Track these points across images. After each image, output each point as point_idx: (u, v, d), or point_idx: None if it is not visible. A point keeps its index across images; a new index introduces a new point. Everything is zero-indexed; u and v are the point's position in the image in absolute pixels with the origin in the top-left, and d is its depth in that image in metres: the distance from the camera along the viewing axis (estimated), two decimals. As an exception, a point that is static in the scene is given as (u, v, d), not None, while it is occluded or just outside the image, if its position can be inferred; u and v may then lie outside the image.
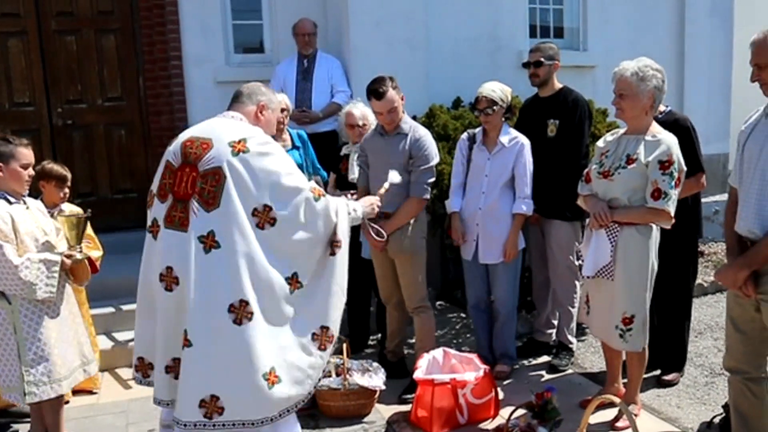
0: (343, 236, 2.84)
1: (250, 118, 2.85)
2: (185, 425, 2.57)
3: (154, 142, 6.14)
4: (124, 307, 4.84)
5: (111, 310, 4.87)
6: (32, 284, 3.19)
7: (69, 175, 4.05)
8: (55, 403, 3.41)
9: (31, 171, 3.40)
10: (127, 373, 4.39)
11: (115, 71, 6.09)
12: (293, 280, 2.67)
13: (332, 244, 2.80)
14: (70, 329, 3.44)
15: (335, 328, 2.81)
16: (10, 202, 3.29)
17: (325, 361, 2.79)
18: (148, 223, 2.76)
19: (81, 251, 3.45)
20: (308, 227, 2.70)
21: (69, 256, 3.39)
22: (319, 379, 2.83)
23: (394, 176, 3.61)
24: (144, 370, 2.82)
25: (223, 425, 2.57)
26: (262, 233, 2.59)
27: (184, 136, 2.75)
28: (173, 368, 2.66)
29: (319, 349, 2.75)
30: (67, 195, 4.06)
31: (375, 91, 3.94)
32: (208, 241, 2.55)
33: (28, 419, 3.63)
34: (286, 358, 2.65)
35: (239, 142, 2.61)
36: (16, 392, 3.27)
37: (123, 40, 6.08)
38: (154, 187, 2.77)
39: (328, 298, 2.79)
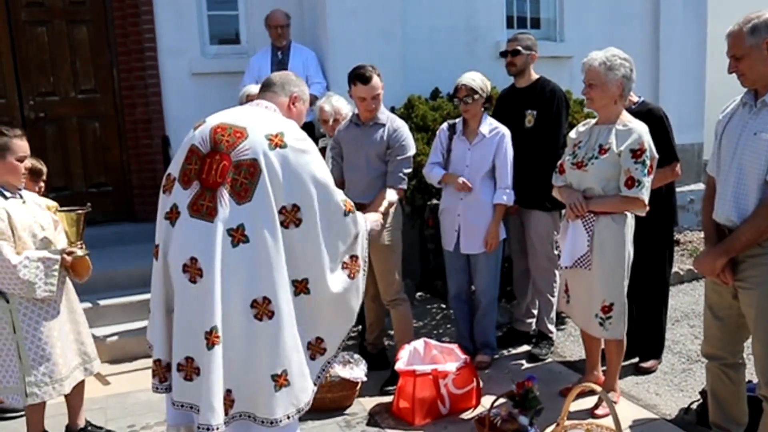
0: (363, 258, 2.77)
1: (282, 110, 2.74)
2: (216, 428, 2.43)
3: (128, 134, 6.06)
4: (102, 303, 4.77)
5: (88, 305, 4.78)
6: (31, 283, 3.10)
7: (44, 169, 3.96)
8: (40, 404, 3.34)
9: (27, 163, 3.29)
10: (105, 368, 4.34)
11: (88, 63, 5.99)
12: (301, 285, 2.59)
13: (351, 262, 2.71)
14: (70, 327, 3.37)
15: (330, 345, 2.71)
16: (5, 197, 3.19)
17: (314, 371, 2.70)
18: (166, 209, 2.59)
19: (82, 247, 3.35)
20: (331, 236, 2.62)
21: (70, 253, 3.28)
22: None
23: (392, 195, 3.60)
24: (161, 373, 2.62)
25: (233, 417, 2.51)
26: (285, 232, 2.51)
27: (213, 121, 2.61)
28: (184, 367, 2.52)
29: (311, 358, 2.67)
30: (43, 189, 3.97)
31: (361, 76, 3.92)
32: (237, 235, 2.45)
33: (15, 414, 3.55)
34: (299, 361, 2.59)
35: (276, 135, 2.50)
36: (16, 393, 3.19)
37: (96, 32, 5.97)
38: (175, 171, 2.61)
39: (333, 317, 2.70)
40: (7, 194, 3.21)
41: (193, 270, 2.47)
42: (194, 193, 2.51)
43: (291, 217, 2.52)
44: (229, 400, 2.48)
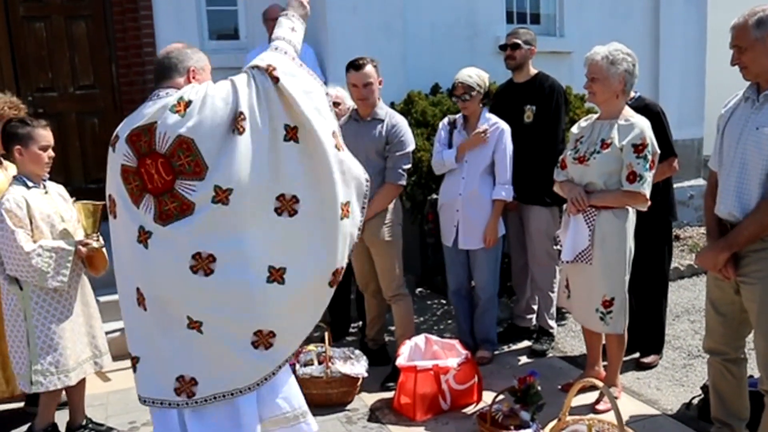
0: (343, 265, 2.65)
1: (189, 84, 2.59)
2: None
3: (128, 130, 6.04)
4: (103, 299, 4.73)
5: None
6: (43, 272, 3.14)
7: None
8: (56, 394, 3.38)
9: (51, 152, 3.32)
10: (106, 365, 4.32)
11: (87, 58, 5.97)
12: (277, 273, 2.50)
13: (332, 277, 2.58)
14: (83, 320, 3.39)
15: (281, 343, 2.53)
16: (28, 187, 3.23)
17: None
18: (135, 233, 2.44)
19: (98, 239, 3.36)
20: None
21: (85, 245, 3.31)
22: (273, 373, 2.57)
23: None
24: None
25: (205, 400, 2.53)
26: (276, 218, 2.47)
27: (124, 132, 2.46)
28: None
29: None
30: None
31: (353, 63, 3.94)
32: (219, 197, 2.36)
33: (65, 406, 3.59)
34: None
35: (178, 103, 2.40)
36: (24, 380, 3.24)
37: (94, 27, 5.96)
38: (115, 193, 2.49)
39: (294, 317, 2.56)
40: (30, 184, 3.25)
41: (203, 263, 2.39)
42: (153, 205, 2.41)
43: (286, 205, 2.46)
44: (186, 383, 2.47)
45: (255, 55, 6.06)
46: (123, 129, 2.48)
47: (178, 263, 2.39)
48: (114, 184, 2.50)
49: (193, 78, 2.58)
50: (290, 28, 2.73)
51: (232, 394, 2.48)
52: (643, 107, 3.91)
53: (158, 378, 2.52)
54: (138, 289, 2.49)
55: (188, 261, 2.38)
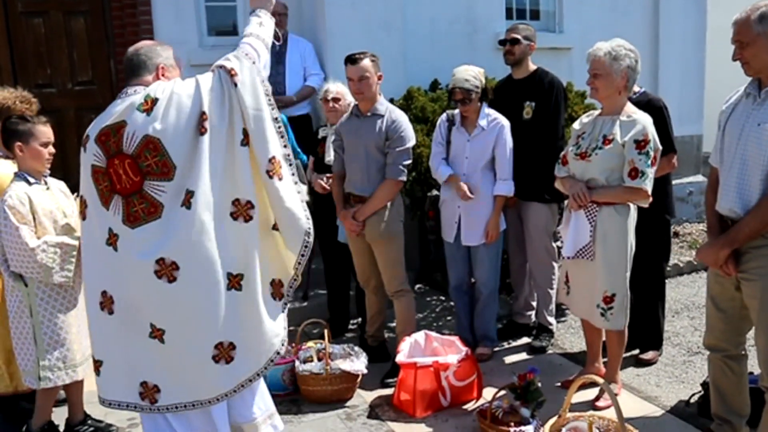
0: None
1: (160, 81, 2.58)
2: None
3: (126, 127, 6.03)
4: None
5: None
6: (48, 268, 3.14)
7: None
8: (54, 391, 3.39)
9: (51, 149, 3.32)
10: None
11: (86, 54, 5.94)
12: (235, 279, 2.51)
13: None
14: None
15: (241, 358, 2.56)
16: (29, 183, 3.23)
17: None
18: (105, 235, 2.45)
19: None
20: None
21: None
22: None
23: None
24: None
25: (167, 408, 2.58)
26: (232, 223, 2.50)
27: (93, 132, 2.47)
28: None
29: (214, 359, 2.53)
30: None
31: (350, 57, 3.94)
32: (187, 199, 2.37)
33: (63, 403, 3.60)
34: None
35: (145, 102, 2.39)
36: (31, 376, 3.24)
37: (93, 23, 5.92)
38: (87, 194, 2.50)
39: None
40: (31, 180, 3.25)
41: (166, 269, 2.39)
42: (121, 207, 2.41)
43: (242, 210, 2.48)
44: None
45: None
46: (93, 129, 2.48)
47: (144, 267, 2.39)
48: (85, 185, 2.51)
49: (162, 75, 2.57)
50: (258, 24, 2.76)
51: (194, 405, 2.50)
52: (646, 102, 3.90)
53: (123, 381, 2.54)
54: (104, 292, 2.50)
55: (153, 265, 2.38)
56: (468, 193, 4.15)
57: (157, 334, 2.44)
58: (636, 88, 4.02)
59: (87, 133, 2.50)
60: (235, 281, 2.48)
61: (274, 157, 2.50)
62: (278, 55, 5.55)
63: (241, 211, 2.48)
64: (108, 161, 2.42)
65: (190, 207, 2.38)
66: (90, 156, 2.46)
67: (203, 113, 2.39)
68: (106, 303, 2.50)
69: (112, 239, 2.43)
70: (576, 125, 3.74)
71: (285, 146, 2.55)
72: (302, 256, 2.64)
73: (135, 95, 2.46)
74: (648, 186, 3.43)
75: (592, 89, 3.54)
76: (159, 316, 2.44)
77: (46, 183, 3.32)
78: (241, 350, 2.50)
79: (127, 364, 2.52)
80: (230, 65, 2.49)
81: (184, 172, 2.38)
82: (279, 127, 2.54)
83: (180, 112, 2.39)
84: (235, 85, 2.44)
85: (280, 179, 2.52)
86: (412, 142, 4.06)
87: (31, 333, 3.21)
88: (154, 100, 2.39)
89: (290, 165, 2.58)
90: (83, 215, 2.54)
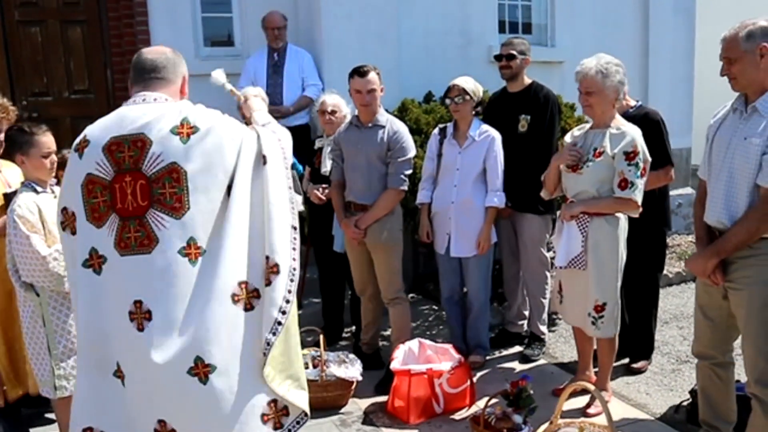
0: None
1: (176, 98, 2.33)
2: None
3: (122, 135, 6.06)
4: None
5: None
6: (60, 276, 3.12)
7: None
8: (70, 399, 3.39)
9: (54, 158, 3.31)
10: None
11: (82, 63, 5.98)
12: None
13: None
14: None
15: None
16: (37, 192, 3.25)
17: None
18: (84, 255, 2.18)
19: None
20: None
21: None
22: None
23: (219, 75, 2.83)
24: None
25: None
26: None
27: (100, 138, 2.19)
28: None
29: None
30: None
31: (358, 70, 4.01)
32: (192, 251, 2.14)
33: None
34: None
35: (182, 125, 2.15)
36: (48, 386, 3.23)
37: (90, 32, 5.97)
38: (73, 205, 2.22)
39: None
40: (39, 189, 3.26)
41: (140, 315, 2.12)
42: (115, 229, 2.15)
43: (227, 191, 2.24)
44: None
45: (253, 63, 6.09)
46: (98, 134, 2.21)
47: (121, 303, 2.15)
48: (72, 195, 2.23)
49: (185, 86, 2.39)
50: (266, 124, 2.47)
51: None
52: (643, 116, 3.99)
53: (89, 408, 2.30)
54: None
55: (129, 305, 2.13)
56: (424, 236, 4.38)
57: (120, 374, 2.20)
58: (632, 102, 4.12)
59: (86, 137, 2.22)
60: (203, 370, 2.14)
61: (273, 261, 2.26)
62: (276, 66, 5.62)
63: (245, 297, 2.20)
64: (116, 175, 2.15)
65: (195, 263, 2.14)
66: (89, 164, 2.18)
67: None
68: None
69: (95, 261, 2.17)
70: (567, 138, 3.81)
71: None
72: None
73: (156, 104, 2.22)
74: (638, 196, 3.50)
75: (586, 107, 3.60)
76: (122, 358, 2.18)
77: (53, 191, 3.33)
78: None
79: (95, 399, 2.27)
80: (265, 148, 2.27)
81: (194, 218, 2.14)
82: (294, 239, 2.31)
83: (219, 153, 2.16)
84: (265, 160, 2.26)
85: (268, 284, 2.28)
86: (413, 152, 4.13)
87: (45, 343, 3.19)
88: (193, 128, 2.15)
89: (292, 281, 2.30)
90: (73, 229, 2.25)
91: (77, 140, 2.25)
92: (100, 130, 2.22)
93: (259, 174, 2.24)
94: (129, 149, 2.15)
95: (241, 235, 2.20)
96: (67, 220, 2.26)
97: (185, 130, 2.15)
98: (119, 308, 2.15)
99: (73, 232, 2.24)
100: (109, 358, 2.21)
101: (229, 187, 2.19)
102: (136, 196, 2.14)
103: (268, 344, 2.21)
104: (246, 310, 2.21)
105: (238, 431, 2.19)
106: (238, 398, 2.18)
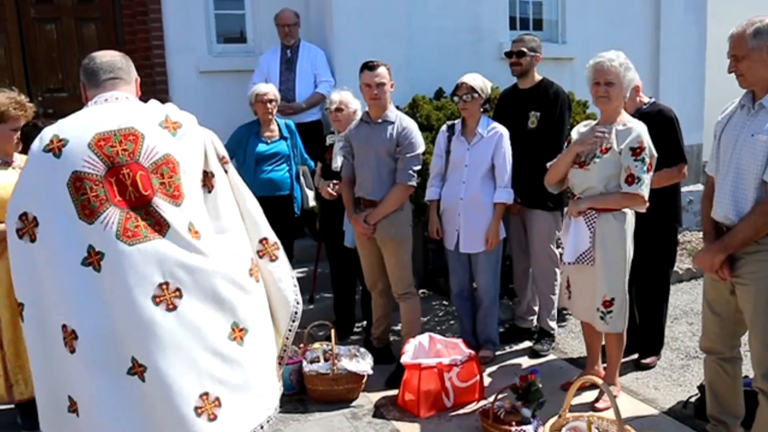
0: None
1: (137, 97, 2.46)
2: None
3: (136, 131, 6.13)
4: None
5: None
6: None
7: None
8: None
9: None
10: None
11: (97, 60, 6.05)
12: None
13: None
14: None
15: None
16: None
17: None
18: (81, 254, 2.13)
19: None
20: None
21: None
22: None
23: None
24: None
25: None
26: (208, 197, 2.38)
27: (82, 136, 2.19)
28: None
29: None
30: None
31: (367, 64, 4.06)
32: (193, 233, 2.24)
33: None
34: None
35: (166, 120, 2.29)
36: None
37: (104, 29, 6.03)
38: (56, 210, 2.16)
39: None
40: None
41: (168, 296, 2.16)
42: (116, 221, 2.14)
43: (209, 183, 2.39)
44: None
45: (266, 60, 6.14)
46: (76, 132, 2.21)
47: (139, 290, 2.13)
48: (39, 199, 2.18)
49: (139, 89, 2.48)
50: None
51: None
52: (656, 112, 4.01)
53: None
54: (65, 326, 2.15)
55: (152, 290, 2.14)
56: (434, 233, 4.42)
57: (137, 370, 2.14)
58: (645, 99, 4.13)
59: (58, 137, 2.20)
60: (238, 334, 2.30)
61: (266, 239, 2.53)
62: (289, 63, 5.67)
63: (209, 184, 2.38)
64: (111, 169, 2.17)
65: (199, 239, 2.25)
66: (74, 162, 2.16)
67: (211, 173, 2.39)
68: (69, 340, 2.15)
69: (93, 258, 2.13)
70: (573, 134, 3.83)
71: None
72: (291, 325, 2.60)
73: (130, 102, 2.34)
74: (644, 192, 3.53)
75: (603, 98, 3.58)
76: (144, 350, 2.14)
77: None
78: (226, 411, 2.24)
79: (92, 410, 2.17)
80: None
81: (190, 205, 2.26)
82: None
83: (196, 149, 2.34)
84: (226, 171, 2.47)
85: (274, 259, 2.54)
86: (422, 148, 4.17)
87: None
88: (177, 123, 2.31)
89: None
90: (31, 236, 2.17)
91: (44, 141, 2.21)
92: (76, 128, 2.23)
93: (220, 169, 2.43)
94: (121, 143, 2.20)
95: (237, 218, 2.44)
96: (26, 227, 2.18)
97: (170, 125, 2.29)
98: (135, 298, 2.13)
99: (33, 239, 2.18)
100: (116, 357, 2.15)
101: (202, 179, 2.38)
102: (138, 187, 2.18)
103: (298, 303, 2.59)
104: (257, 281, 2.45)
105: (270, 387, 2.43)
106: (267, 355, 2.45)
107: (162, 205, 2.19)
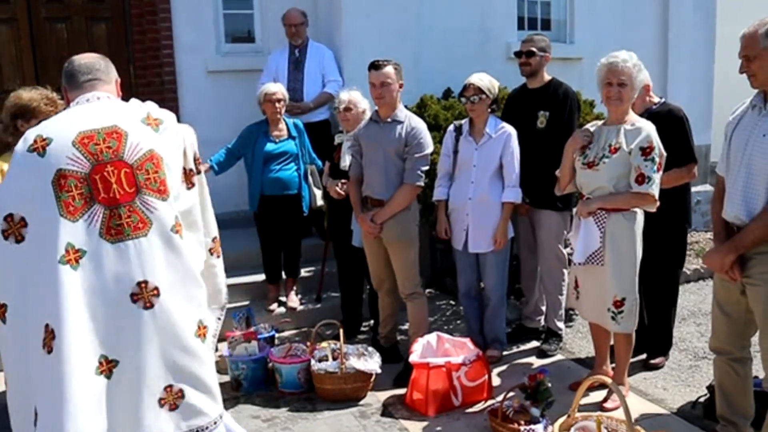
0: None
1: (117, 97, 2.50)
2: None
3: (144, 130, 6.15)
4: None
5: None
6: None
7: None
8: None
9: None
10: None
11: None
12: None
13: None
14: None
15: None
16: None
17: None
18: (58, 253, 2.12)
19: None
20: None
21: None
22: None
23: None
24: None
25: None
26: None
27: (65, 134, 2.21)
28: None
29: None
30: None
31: (374, 63, 4.07)
32: (178, 228, 2.31)
33: None
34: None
35: (148, 116, 2.35)
36: None
37: (114, 28, 6.07)
38: (42, 209, 2.16)
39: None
40: None
41: (146, 295, 2.20)
42: (100, 218, 2.18)
43: (189, 180, 2.47)
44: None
45: (275, 59, 6.17)
46: (59, 131, 2.23)
47: (118, 288, 2.18)
48: (26, 199, 2.18)
49: (119, 89, 2.53)
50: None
51: None
52: (666, 112, 4.00)
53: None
54: (47, 326, 2.13)
55: (131, 288, 2.19)
56: (442, 232, 4.42)
57: (107, 367, 2.17)
58: (656, 99, 4.13)
59: (42, 136, 2.22)
60: (202, 331, 2.37)
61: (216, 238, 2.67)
62: (297, 62, 5.68)
63: (188, 180, 2.49)
64: (95, 167, 2.19)
65: (182, 238, 2.33)
66: (58, 160, 2.18)
67: (191, 170, 2.49)
68: (48, 340, 2.12)
69: (73, 256, 2.14)
70: None
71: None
72: (219, 321, 2.74)
73: (112, 101, 2.38)
74: (655, 191, 3.52)
75: (615, 100, 3.57)
76: (115, 346, 2.17)
77: None
78: (188, 401, 2.29)
79: (69, 407, 2.11)
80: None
81: (175, 199, 2.34)
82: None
83: (176, 146, 2.41)
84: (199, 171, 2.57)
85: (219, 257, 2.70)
86: (430, 148, 4.17)
87: None
88: (158, 120, 2.36)
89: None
90: (18, 237, 2.18)
91: (28, 142, 2.22)
92: (60, 127, 2.26)
93: (195, 166, 2.52)
94: (105, 141, 2.23)
95: (200, 215, 2.54)
96: (11, 228, 2.18)
97: (152, 121, 2.34)
98: (114, 295, 2.17)
99: (18, 240, 2.18)
100: (86, 356, 2.14)
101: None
102: (122, 184, 2.22)
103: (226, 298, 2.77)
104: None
105: (216, 383, 2.43)
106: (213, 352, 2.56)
107: (149, 200, 2.24)
